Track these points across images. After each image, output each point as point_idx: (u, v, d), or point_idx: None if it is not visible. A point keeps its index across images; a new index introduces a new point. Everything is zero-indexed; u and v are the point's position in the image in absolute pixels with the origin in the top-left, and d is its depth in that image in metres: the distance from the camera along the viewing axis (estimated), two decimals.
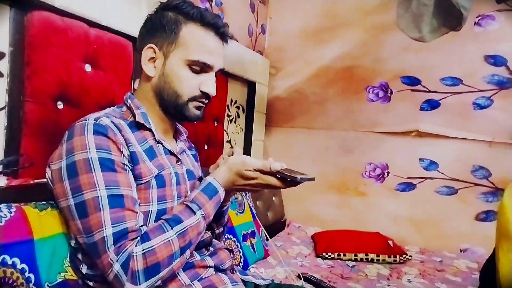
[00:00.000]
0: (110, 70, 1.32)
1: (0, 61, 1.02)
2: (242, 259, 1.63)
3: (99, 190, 0.76)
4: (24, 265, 0.81)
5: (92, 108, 1.26)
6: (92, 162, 0.77)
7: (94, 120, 0.81)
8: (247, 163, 0.88)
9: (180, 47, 0.89)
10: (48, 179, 0.85)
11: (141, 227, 0.79)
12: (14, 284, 0.79)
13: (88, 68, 1.25)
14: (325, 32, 2.48)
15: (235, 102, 2.33)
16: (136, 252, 0.75)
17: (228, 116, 2.25)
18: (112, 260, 0.74)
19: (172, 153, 0.96)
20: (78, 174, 0.77)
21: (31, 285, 0.81)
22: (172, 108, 0.93)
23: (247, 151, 2.47)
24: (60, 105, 1.17)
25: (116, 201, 0.77)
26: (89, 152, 0.77)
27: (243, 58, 2.21)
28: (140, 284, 0.74)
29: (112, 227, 0.75)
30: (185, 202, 0.85)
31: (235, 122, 2.34)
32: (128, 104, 0.93)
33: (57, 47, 1.13)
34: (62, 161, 0.79)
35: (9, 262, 0.79)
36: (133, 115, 0.91)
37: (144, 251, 0.75)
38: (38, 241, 0.86)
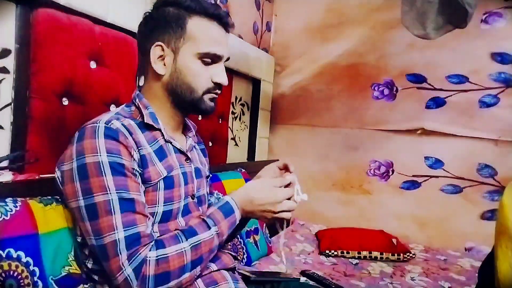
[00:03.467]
0: (115, 67, 1.33)
1: (6, 58, 1.04)
2: (245, 256, 1.63)
3: (110, 193, 0.76)
4: (28, 259, 0.82)
5: (97, 105, 1.27)
6: (103, 166, 0.77)
7: (105, 123, 0.81)
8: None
9: (189, 41, 0.89)
10: (58, 179, 0.84)
11: (153, 233, 0.80)
12: (19, 277, 0.80)
13: (93, 65, 1.26)
14: (330, 30, 2.47)
15: (240, 99, 2.33)
16: (150, 257, 0.76)
17: (233, 113, 2.26)
18: (123, 264, 0.74)
19: (181, 152, 0.96)
20: (89, 177, 0.77)
21: (35, 278, 0.82)
22: (187, 103, 0.93)
23: (251, 148, 2.48)
24: (65, 102, 1.18)
25: (127, 205, 0.77)
26: (100, 155, 0.77)
27: (248, 55, 2.22)
28: None
29: (124, 230, 0.76)
30: (201, 216, 0.87)
31: (239, 119, 2.35)
32: (136, 104, 0.93)
33: (62, 44, 1.15)
34: (73, 162, 0.79)
35: (14, 255, 0.80)
36: (142, 115, 0.91)
37: (158, 257, 0.76)
38: (43, 235, 0.87)
